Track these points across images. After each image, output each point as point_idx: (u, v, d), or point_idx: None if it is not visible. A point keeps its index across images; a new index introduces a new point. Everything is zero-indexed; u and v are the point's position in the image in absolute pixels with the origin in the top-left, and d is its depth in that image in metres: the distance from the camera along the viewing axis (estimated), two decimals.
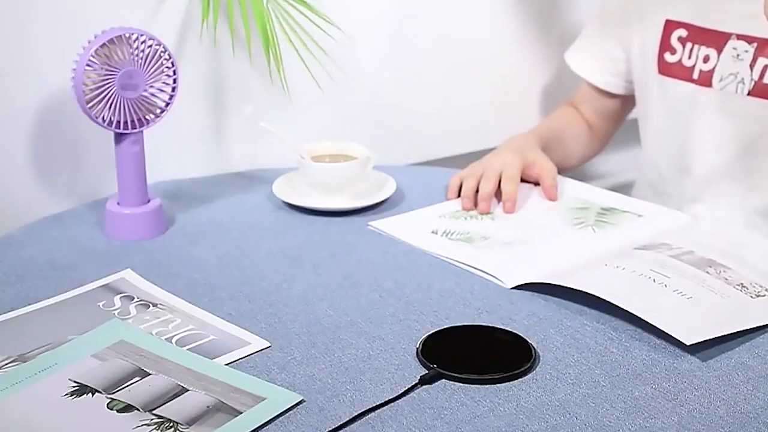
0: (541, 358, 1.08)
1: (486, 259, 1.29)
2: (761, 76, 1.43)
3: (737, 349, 1.09)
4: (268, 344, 1.11)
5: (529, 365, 1.06)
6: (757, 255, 1.28)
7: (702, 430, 0.97)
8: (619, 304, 1.13)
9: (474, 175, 1.48)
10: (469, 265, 1.28)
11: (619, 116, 1.70)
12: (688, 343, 1.07)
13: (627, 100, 1.67)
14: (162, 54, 1.33)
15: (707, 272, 1.21)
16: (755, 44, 1.43)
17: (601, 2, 1.66)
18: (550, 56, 1.84)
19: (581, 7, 1.84)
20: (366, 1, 1.68)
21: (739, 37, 1.45)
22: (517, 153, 1.50)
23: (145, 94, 1.33)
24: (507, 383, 1.03)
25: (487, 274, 1.26)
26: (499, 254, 1.31)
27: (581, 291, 1.17)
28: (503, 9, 1.80)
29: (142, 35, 1.30)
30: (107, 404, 0.99)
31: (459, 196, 1.47)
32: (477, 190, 1.46)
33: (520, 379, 1.04)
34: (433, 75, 1.76)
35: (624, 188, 1.67)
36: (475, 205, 1.44)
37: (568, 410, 0.99)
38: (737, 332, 1.11)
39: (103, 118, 1.31)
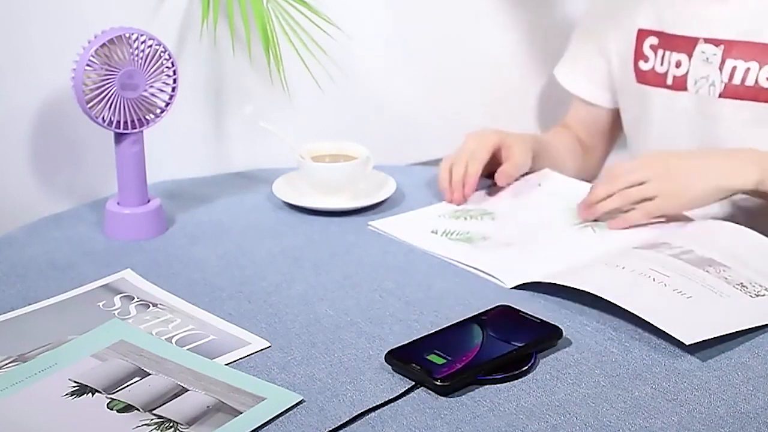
0: (541, 358, 1.08)
1: (486, 259, 1.29)
2: (730, 77, 1.44)
3: (737, 349, 1.10)
4: (268, 344, 1.11)
5: (529, 365, 1.06)
6: (756, 255, 1.28)
7: (702, 430, 0.97)
8: (619, 303, 1.13)
9: (448, 162, 1.47)
10: (469, 265, 1.28)
11: (611, 132, 1.69)
12: (687, 343, 1.07)
13: (616, 115, 1.66)
14: (162, 54, 1.33)
15: (707, 271, 1.21)
16: (722, 46, 1.45)
17: (583, 17, 1.67)
18: (548, 57, 1.84)
19: (580, 9, 1.84)
20: (366, 1, 1.68)
21: (707, 40, 1.46)
22: (494, 132, 1.48)
23: (145, 94, 1.33)
24: (507, 383, 1.04)
25: (487, 274, 1.26)
26: (499, 254, 1.31)
27: (581, 291, 1.17)
28: (503, 11, 1.80)
29: (142, 35, 1.30)
30: (107, 404, 0.99)
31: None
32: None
33: (520, 379, 1.04)
34: (433, 75, 1.76)
35: None
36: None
37: (568, 410, 0.99)
38: (737, 332, 1.11)
39: (103, 118, 1.31)
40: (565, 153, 1.65)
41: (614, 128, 1.69)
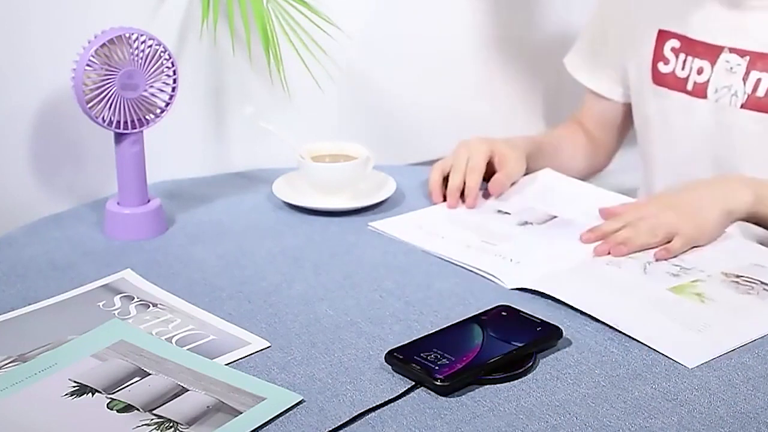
0: (541, 359, 1.08)
1: (486, 259, 1.29)
2: (754, 89, 1.43)
3: (737, 349, 1.09)
4: (268, 344, 1.11)
5: (529, 365, 1.06)
6: (757, 255, 1.28)
7: (702, 430, 0.97)
8: (624, 331, 1.12)
9: (441, 167, 1.47)
10: (469, 265, 1.28)
11: (621, 127, 1.67)
12: (690, 367, 1.06)
13: (628, 110, 1.65)
14: (162, 54, 1.33)
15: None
16: (748, 57, 1.44)
17: (597, 9, 1.66)
18: (551, 57, 1.84)
19: (582, 7, 1.84)
20: (366, 1, 1.68)
21: (732, 50, 1.45)
22: (486, 141, 1.48)
23: (145, 94, 1.33)
24: (507, 383, 1.04)
25: (487, 274, 1.26)
26: (500, 254, 1.31)
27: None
28: (503, 10, 1.80)
29: (142, 35, 1.30)
30: (107, 404, 0.99)
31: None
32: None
33: (520, 379, 1.04)
34: (433, 75, 1.76)
35: (624, 189, 1.67)
36: (446, 198, 1.45)
37: (568, 410, 0.99)
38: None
39: (103, 118, 1.31)
40: (568, 149, 1.64)
41: (625, 123, 1.67)
